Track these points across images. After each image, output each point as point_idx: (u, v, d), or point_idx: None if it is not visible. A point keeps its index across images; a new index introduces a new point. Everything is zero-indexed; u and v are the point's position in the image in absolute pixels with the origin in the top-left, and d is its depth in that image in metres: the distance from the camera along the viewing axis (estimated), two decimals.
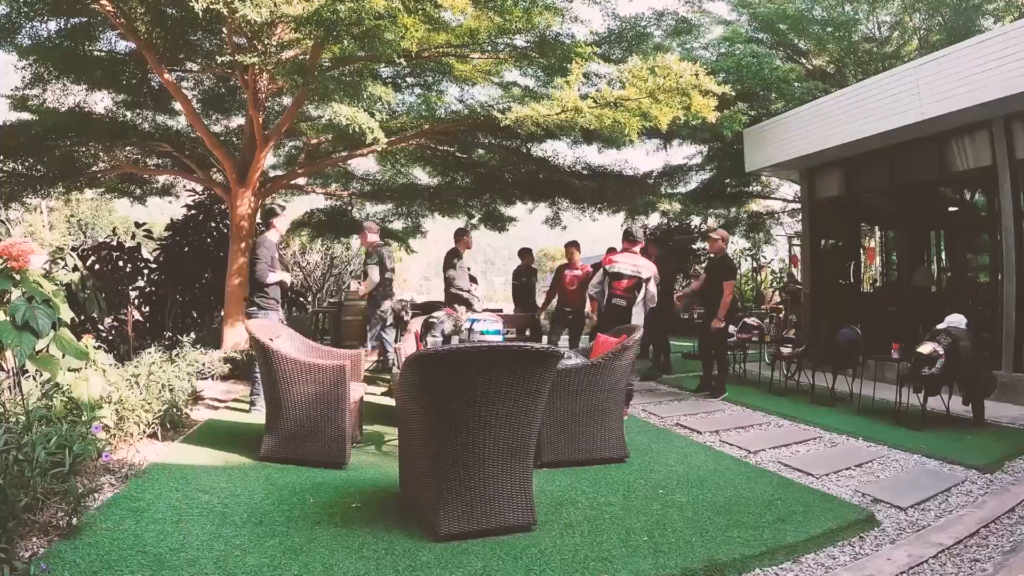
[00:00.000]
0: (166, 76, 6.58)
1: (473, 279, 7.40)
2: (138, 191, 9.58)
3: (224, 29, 6.19)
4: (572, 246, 7.33)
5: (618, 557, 2.38)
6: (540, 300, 8.72)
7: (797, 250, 10.45)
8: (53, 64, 7.01)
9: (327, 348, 4.77)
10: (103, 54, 7.28)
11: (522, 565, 2.30)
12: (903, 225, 8.79)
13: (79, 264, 5.87)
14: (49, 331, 3.13)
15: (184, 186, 9.85)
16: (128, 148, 8.19)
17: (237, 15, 4.56)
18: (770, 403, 5.61)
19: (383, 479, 3.35)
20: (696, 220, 14.37)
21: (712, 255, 6.53)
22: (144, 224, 9.36)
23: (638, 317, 4.86)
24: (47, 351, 3.32)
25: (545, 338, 8.15)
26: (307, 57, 5.84)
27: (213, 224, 9.72)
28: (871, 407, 5.26)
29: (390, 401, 5.15)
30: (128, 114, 8.26)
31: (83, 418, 3.11)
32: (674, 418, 5.11)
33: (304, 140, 8.96)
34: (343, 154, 8.48)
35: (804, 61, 11.28)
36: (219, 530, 2.52)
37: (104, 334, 7.45)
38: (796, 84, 9.94)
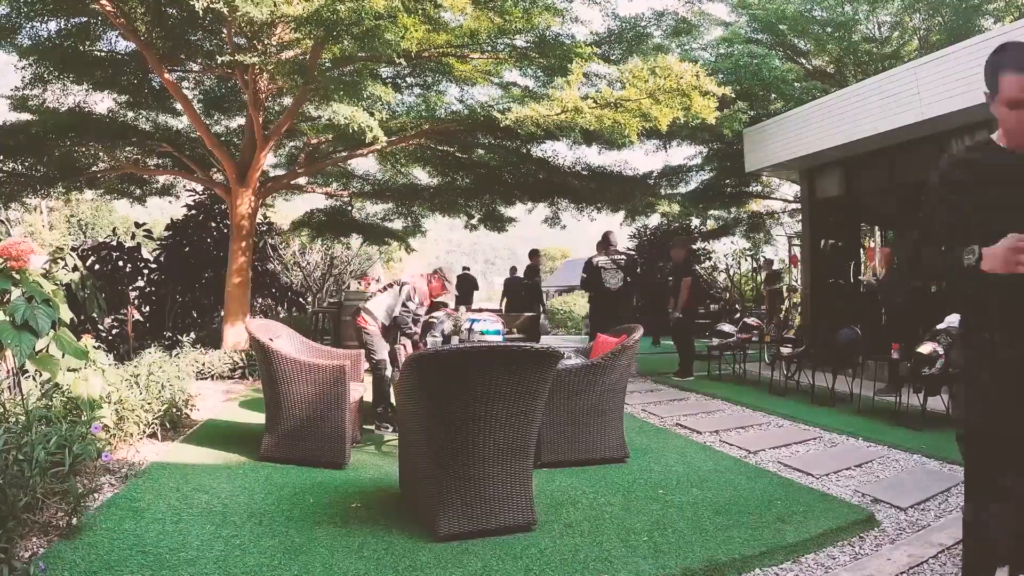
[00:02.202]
0: (166, 76, 6.58)
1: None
2: (138, 191, 9.57)
3: (224, 29, 6.19)
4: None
5: (618, 557, 2.38)
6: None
7: (797, 250, 10.46)
8: (53, 64, 7.02)
9: (327, 348, 4.77)
10: (103, 54, 7.28)
11: (522, 565, 2.30)
12: (903, 225, 8.79)
13: (79, 264, 5.87)
14: (49, 331, 3.13)
15: (184, 186, 9.85)
16: (128, 148, 8.19)
17: (238, 13, 4.57)
18: (770, 403, 5.61)
19: (383, 479, 3.35)
20: (696, 221, 14.39)
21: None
22: (144, 224, 9.37)
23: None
24: (47, 351, 3.32)
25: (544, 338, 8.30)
26: (307, 57, 5.84)
27: (213, 224, 9.72)
28: (871, 407, 5.26)
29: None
30: (129, 114, 8.26)
31: (83, 418, 3.11)
32: (674, 418, 5.10)
33: (304, 140, 8.96)
34: (343, 154, 8.48)
35: (804, 61, 11.29)
36: (219, 530, 2.52)
37: (104, 334, 7.45)
38: (796, 84, 9.94)
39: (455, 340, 4.52)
